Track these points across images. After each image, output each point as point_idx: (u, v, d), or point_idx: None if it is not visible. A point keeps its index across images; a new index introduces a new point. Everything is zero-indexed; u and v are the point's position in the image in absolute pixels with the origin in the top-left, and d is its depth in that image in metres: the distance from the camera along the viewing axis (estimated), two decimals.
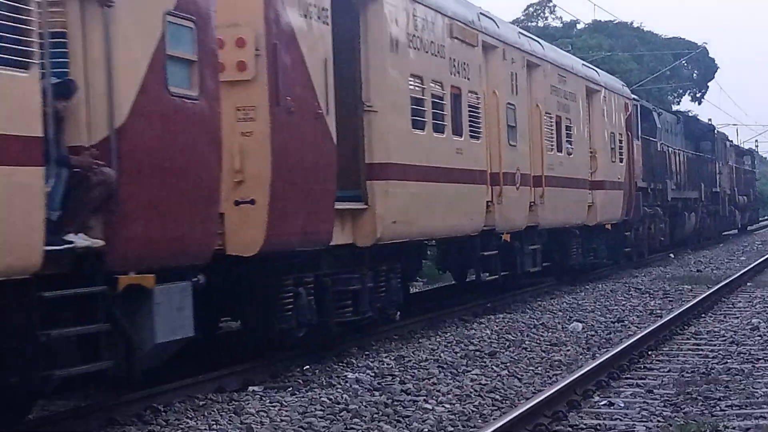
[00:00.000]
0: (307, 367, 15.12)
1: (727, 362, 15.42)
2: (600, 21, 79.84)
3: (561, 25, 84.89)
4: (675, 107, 64.22)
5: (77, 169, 10.36)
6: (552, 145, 26.44)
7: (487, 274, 22.08)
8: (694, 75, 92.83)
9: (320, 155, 15.35)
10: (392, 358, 16.09)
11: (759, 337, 17.84)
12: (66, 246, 10.28)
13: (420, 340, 18.01)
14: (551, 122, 26.41)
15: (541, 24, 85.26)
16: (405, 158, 17.86)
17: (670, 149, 42.61)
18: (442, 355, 16.41)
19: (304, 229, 15.02)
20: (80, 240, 10.49)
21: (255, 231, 13.97)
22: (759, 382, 13.62)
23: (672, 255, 39.97)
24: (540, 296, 25.30)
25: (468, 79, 20.94)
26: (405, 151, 17.80)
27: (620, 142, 33.03)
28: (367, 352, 16.59)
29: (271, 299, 14.50)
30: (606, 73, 37.05)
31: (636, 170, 35.08)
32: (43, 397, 11.61)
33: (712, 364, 15.23)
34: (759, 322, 19.61)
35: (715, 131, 58.20)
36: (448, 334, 18.71)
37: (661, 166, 40.31)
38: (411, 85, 18.28)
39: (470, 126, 20.84)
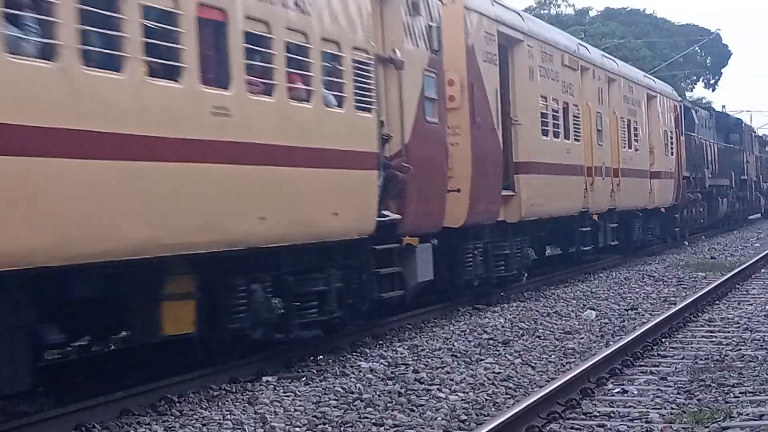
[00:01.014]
0: (321, 356, 15.12)
1: (741, 349, 15.22)
2: (612, 8, 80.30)
3: (574, 12, 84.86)
4: (689, 94, 64.72)
5: (389, 170, 16.48)
6: (624, 143, 33.33)
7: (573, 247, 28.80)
8: (708, 62, 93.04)
9: (495, 157, 21.92)
10: (406, 347, 15.99)
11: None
12: (386, 218, 16.52)
13: (434, 329, 17.86)
14: (624, 125, 33.26)
15: (553, 12, 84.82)
16: (538, 158, 24.35)
17: (706, 142, 47.94)
18: (455, 343, 16.27)
19: (486, 209, 21.58)
20: (391, 215, 16.67)
21: (461, 210, 20.23)
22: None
23: (686, 242, 40.06)
24: (554, 284, 25.30)
25: (572, 95, 27.69)
26: (537, 152, 24.26)
27: (671, 138, 39.84)
28: (380, 342, 16.58)
29: (459, 257, 20.75)
30: (661, 81, 45.19)
31: (682, 162, 41.31)
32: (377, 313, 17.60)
33: (726, 350, 15.07)
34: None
35: (743, 124, 64.42)
36: (462, 322, 18.59)
37: (699, 158, 45.56)
38: (540, 103, 24.73)
39: (574, 131, 27.53)
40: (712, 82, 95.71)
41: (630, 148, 33.61)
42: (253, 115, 13.46)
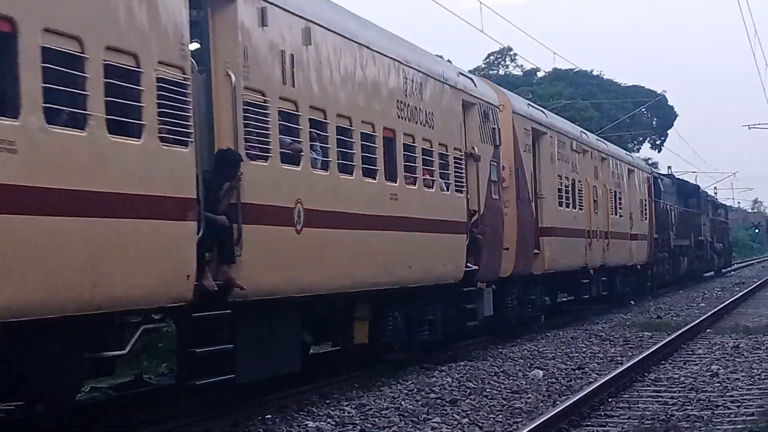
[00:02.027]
0: (269, 416, 15.05)
1: (686, 409, 15.26)
2: (560, 69, 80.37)
3: (521, 73, 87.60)
4: (635, 155, 64.60)
5: (473, 230, 21.80)
6: (612, 210, 39.16)
7: (565, 295, 36.30)
8: (654, 123, 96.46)
9: (531, 224, 27.82)
10: (353, 406, 15.88)
11: (718, 384, 17.74)
12: (469, 269, 21.79)
13: (381, 388, 17.75)
14: (612, 195, 39.13)
15: (501, 72, 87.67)
16: (556, 223, 30.36)
17: (670, 207, 52.85)
18: (403, 403, 16.23)
19: (524, 263, 27.07)
20: (472, 266, 21.75)
21: (509, 264, 25.58)
22: (719, 429, 13.65)
23: (633, 302, 40.70)
24: (500, 343, 25.27)
25: (577, 173, 34.05)
26: (556, 219, 30.31)
27: (645, 205, 45.47)
28: (327, 400, 16.44)
29: (505, 299, 26.30)
30: (638, 157, 56.95)
31: (653, 225, 46.37)
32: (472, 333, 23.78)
33: (672, 410, 15.11)
34: (718, 369, 19.59)
35: (699, 189, 69.62)
36: (409, 381, 18.51)
37: (665, 221, 50.32)
38: (557, 180, 31.05)
39: (579, 201, 33.83)
40: (658, 142, 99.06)
41: (616, 214, 39.34)
42: (409, 199, 19.68)
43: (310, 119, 16.18)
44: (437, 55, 26.95)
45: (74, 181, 11.55)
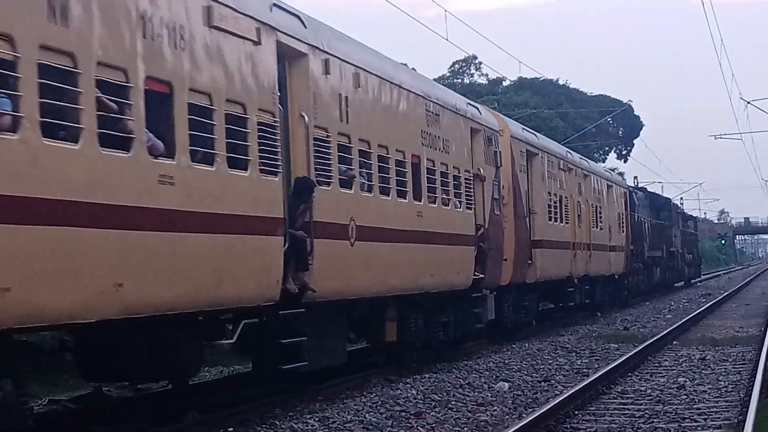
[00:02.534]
0: (231, 429, 14.76)
1: (653, 422, 15.08)
2: (526, 78, 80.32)
3: (486, 82, 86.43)
4: (602, 164, 66.26)
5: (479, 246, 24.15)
6: (594, 224, 41.16)
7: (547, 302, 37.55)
8: (620, 132, 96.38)
9: (526, 237, 29.99)
10: (316, 419, 15.56)
11: (685, 396, 17.61)
12: (477, 277, 24.11)
13: (345, 401, 17.43)
14: (593, 210, 41.21)
15: (467, 81, 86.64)
16: (546, 236, 32.52)
17: (644, 219, 55.04)
18: (367, 415, 15.94)
19: (520, 273, 29.30)
20: (479, 275, 24.04)
21: (507, 273, 27.69)
22: None
23: (599, 313, 40.49)
24: (466, 356, 24.76)
25: (563, 189, 36.37)
26: (546, 233, 32.44)
27: (622, 218, 47.63)
28: (290, 413, 16.09)
29: (503, 305, 28.38)
30: (617, 175, 58.84)
31: (629, 237, 48.54)
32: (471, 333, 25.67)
33: (639, 423, 14.89)
34: (685, 381, 19.37)
35: (671, 202, 71.86)
36: (373, 394, 18.19)
37: (639, 233, 52.39)
38: (547, 197, 33.15)
39: (565, 215, 36.10)
40: (624, 152, 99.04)
41: (597, 227, 41.36)
42: (431, 215, 22.17)
43: (359, 150, 18.52)
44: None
45: (209, 206, 13.84)
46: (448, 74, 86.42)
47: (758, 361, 20.41)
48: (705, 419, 14.99)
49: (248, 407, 15.95)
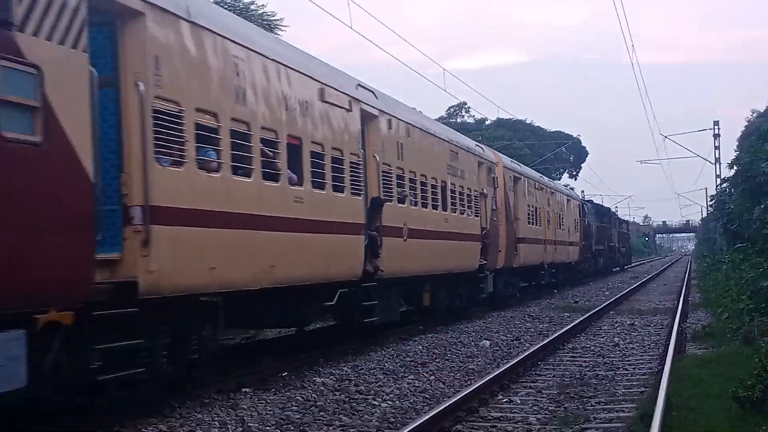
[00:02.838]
0: (285, 373, 14.52)
1: (596, 370, 14.83)
2: (502, 118, 77.91)
3: (474, 121, 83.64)
4: (560, 182, 65.31)
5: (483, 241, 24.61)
6: (558, 227, 41.15)
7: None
8: (571, 158, 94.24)
9: (512, 235, 30.07)
10: (349, 366, 15.33)
11: (619, 352, 17.31)
12: (482, 262, 24.93)
13: (369, 354, 17.03)
14: (558, 217, 41.27)
15: (459, 120, 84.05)
16: (527, 235, 32.75)
17: (592, 223, 55.32)
18: (386, 364, 15.67)
19: (509, 260, 29.63)
20: (483, 261, 24.98)
21: (501, 260, 28.14)
22: (619, 385, 13.24)
23: (555, 291, 38.84)
24: (458, 321, 23.67)
25: (538, 202, 36.54)
26: (527, 232, 32.74)
27: (577, 222, 47.85)
28: (330, 362, 15.83)
29: (499, 283, 28.37)
30: (573, 191, 57.03)
31: (581, 236, 48.91)
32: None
33: (585, 371, 14.69)
34: (619, 341, 19.10)
35: (610, 210, 73.89)
36: (390, 349, 17.76)
37: (588, 233, 52.82)
38: (527, 208, 33.63)
39: (539, 220, 36.27)
40: (574, 173, 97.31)
41: (560, 228, 41.75)
42: (454, 221, 23.19)
43: (409, 178, 19.95)
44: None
45: (323, 216, 15.16)
46: (445, 115, 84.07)
47: (672, 326, 20.12)
48: (633, 368, 15.02)
49: (299, 358, 15.83)
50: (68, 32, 9.11)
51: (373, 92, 18.73)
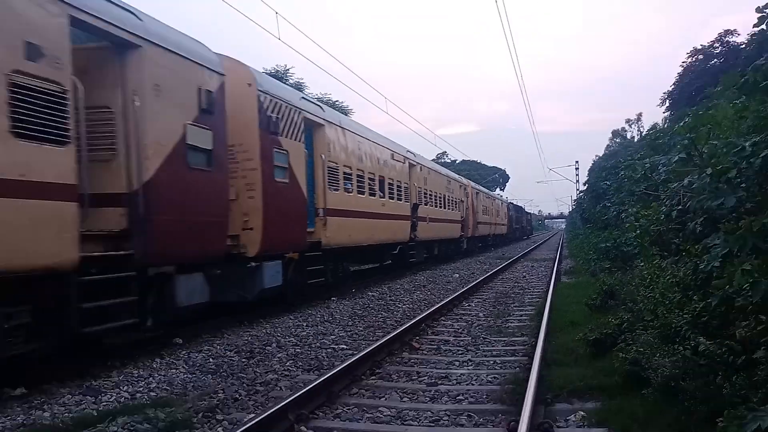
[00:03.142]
0: (354, 290, 13.46)
1: (514, 289, 14.04)
2: (467, 159, 77.56)
3: (450, 161, 79.50)
4: (494, 192, 61.63)
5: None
6: (497, 216, 39.02)
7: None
8: (501, 180, 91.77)
9: (475, 220, 29.44)
10: (385, 287, 14.17)
11: (524, 280, 16.27)
12: (462, 234, 24.32)
13: (396, 280, 15.80)
14: (497, 211, 39.29)
15: (447, 159, 79.82)
16: (482, 221, 31.10)
17: (512, 214, 53.54)
18: (405, 286, 14.56)
19: (473, 232, 28.62)
20: (462, 233, 24.39)
21: (468, 232, 27.31)
22: (526, 297, 12.43)
23: (493, 248, 36.03)
24: (440, 264, 21.92)
25: (491, 206, 35.29)
26: (482, 219, 31.24)
27: (506, 214, 45.45)
28: (377, 284, 14.65)
29: (468, 243, 27.12)
30: (503, 198, 54.97)
31: (512, 222, 49.12)
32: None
33: (507, 290, 13.63)
34: (525, 274, 18.20)
35: (523, 208, 72.06)
36: (406, 278, 16.50)
37: (511, 219, 51.15)
38: (482, 208, 31.74)
39: (489, 213, 34.51)
40: (502, 189, 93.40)
41: (498, 217, 40.08)
42: (446, 213, 22.49)
43: (434, 194, 20.94)
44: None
45: (394, 211, 16.02)
46: (435, 158, 78.87)
47: (554, 267, 19.25)
48: (533, 289, 14.12)
49: (358, 283, 14.60)
50: (297, 134, 10.73)
51: (413, 155, 19.44)
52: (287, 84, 23.26)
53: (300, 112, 10.50)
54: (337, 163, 12.22)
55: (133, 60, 6.36)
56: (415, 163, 18.77)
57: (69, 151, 5.42)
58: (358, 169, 13.44)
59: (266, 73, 18.32)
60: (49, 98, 5.21)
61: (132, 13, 6.39)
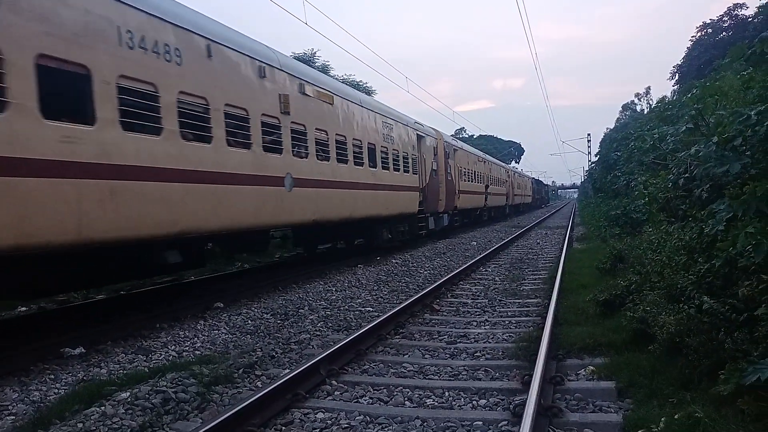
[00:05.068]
0: (379, 257, 13.23)
1: (528, 255, 13.95)
2: (483, 135, 76.67)
3: (467, 136, 77.92)
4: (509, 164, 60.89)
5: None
6: (522, 189, 40.78)
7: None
8: (516, 153, 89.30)
9: (502, 193, 30.76)
10: (408, 255, 14.06)
11: (538, 246, 16.27)
12: (484, 204, 24.39)
13: (417, 248, 15.62)
14: (523, 185, 42.02)
15: (466, 135, 78.31)
16: (518, 193, 36.53)
17: (534, 186, 56.87)
18: (426, 253, 14.34)
19: (508, 201, 30.94)
20: (485, 203, 23.89)
21: (496, 203, 28.56)
22: (539, 262, 12.38)
23: (509, 218, 35.14)
24: (462, 231, 22.08)
25: (507, 178, 33.59)
26: (518, 191, 34.88)
27: (532, 187, 49.29)
28: (400, 253, 14.47)
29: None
30: (530, 174, 58.76)
31: (535, 193, 52.16)
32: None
33: (522, 256, 13.80)
34: (539, 241, 18.08)
35: (542, 181, 77.61)
36: (427, 246, 16.25)
37: (535, 190, 55.87)
38: (517, 183, 33.40)
39: (518, 184, 36.69)
40: (517, 162, 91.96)
41: (521, 190, 41.46)
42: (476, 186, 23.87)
43: (495, 177, 22.68)
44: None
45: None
46: (454, 133, 78.37)
47: (566, 233, 19.01)
48: (546, 254, 14.11)
49: (384, 250, 14.57)
50: (450, 154, 16.05)
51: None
52: (314, 66, 24.99)
53: (450, 145, 18.37)
54: (461, 167, 19.32)
55: (441, 145, 17.25)
56: (485, 161, 24.49)
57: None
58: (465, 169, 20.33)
59: (294, 57, 18.51)
60: None
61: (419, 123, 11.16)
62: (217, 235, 6.87)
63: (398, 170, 14.16)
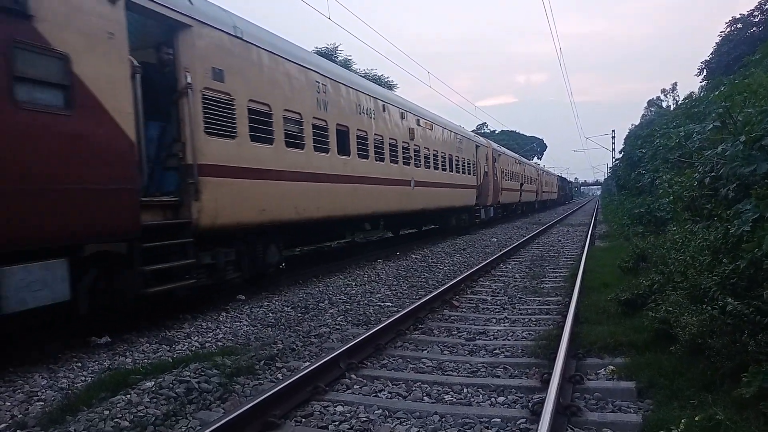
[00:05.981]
0: (398, 252, 13.38)
1: (549, 252, 13.89)
2: (505, 130, 76.55)
3: (489, 131, 77.85)
4: (531, 160, 61.37)
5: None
6: (550, 187, 43.15)
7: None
8: (538, 149, 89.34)
9: (533, 190, 32.43)
10: (428, 250, 14.18)
11: (559, 243, 16.18)
12: (518, 199, 25.24)
13: (438, 243, 15.78)
14: (552, 184, 43.93)
15: (482, 131, 77.70)
16: (546, 190, 34.12)
17: (559, 183, 58.64)
18: (446, 249, 14.42)
19: (537, 197, 31.23)
20: (519, 198, 26.20)
21: (527, 199, 29.32)
22: (560, 260, 12.26)
23: (530, 214, 34.14)
24: (481, 229, 21.88)
25: (539, 177, 35.09)
26: (546, 188, 32.17)
27: (557, 185, 50.82)
28: (421, 248, 14.55)
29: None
30: (557, 173, 62.29)
31: (560, 191, 52.91)
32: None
33: (543, 253, 13.71)
34: (560, 238, 17.93)
35: (565, 178, 77.38)
36: (447, 242, 16.31)
37: (560, 188, 57.09)
38: (545, 181, 31.13)
39: (545, 182, 37.45)
40: (540, 158, 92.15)
41: (549, 188, 44.88)
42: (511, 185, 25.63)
43: (528, 177, 22.94)
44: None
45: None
46: (475, 128, 78.53)
47: (588, 231, 18.99)
48: (568, 252, 14.03)
49: (405, 243, 15.03)
50: (489, 155, 16.44)
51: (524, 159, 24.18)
52: (336, 61, 24.78)
53: (495, 151, 20.54)
54: (503, 168, 20.88)
55: (490, 152, 20.52)
56: (520, 162, 26.65)
57: None
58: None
59: (316, 52, 19.44)
60: None
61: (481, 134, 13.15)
62: (382, 215, 12.12)
63: (464, 173, 18.71)
